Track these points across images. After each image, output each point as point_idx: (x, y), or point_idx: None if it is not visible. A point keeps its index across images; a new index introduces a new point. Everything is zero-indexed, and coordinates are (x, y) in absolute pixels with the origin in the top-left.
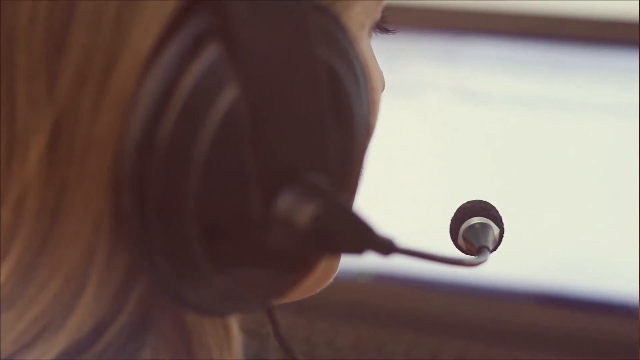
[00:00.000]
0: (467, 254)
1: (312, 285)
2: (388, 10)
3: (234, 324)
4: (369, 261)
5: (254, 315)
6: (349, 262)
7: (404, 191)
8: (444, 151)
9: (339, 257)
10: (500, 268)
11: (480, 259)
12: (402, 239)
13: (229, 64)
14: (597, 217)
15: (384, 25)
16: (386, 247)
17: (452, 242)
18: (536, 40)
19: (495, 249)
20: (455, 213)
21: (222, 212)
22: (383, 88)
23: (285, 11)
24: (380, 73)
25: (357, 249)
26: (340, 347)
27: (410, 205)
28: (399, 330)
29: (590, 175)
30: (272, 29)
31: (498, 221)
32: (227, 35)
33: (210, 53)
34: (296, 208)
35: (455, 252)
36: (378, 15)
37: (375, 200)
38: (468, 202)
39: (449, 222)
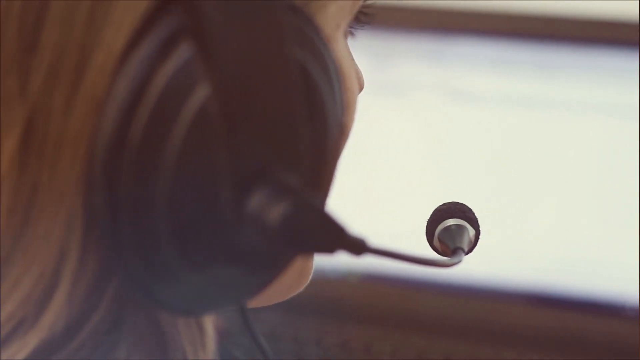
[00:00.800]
0: (443, 255)
1: (287, 289)
2: (369, 9)
3: (208, 323)
4: (357, 260)
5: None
6: (337, 261)
7: (393, 190)
8: (435, 150)
9: (312, 259)
10: (487, 268)
11: (455, 260)
12: (390, 239)
13: (201, 63)
14: (592, 218)
15: (356, 27)
16: (358, 247)
17: (427, 244)
18: (531, 40)
19: (470, 250)
20: (431, 215)
21: (194, 211)
22: (361, 89)
23: (258, 11)
24: (359, 73)
25: (328, 249)
26: (328, 346)
27: (400, 204)
28: (386, 329)
29: (588, 175)
30: (245, 28)
31: (474, 223)
32: (200, 34)
33: (183, 52)
34: (267, 207)
35: (432, 253)
36: (353, 17)
37: (364, 199)
38: (444, 204)
39: (425, 223)
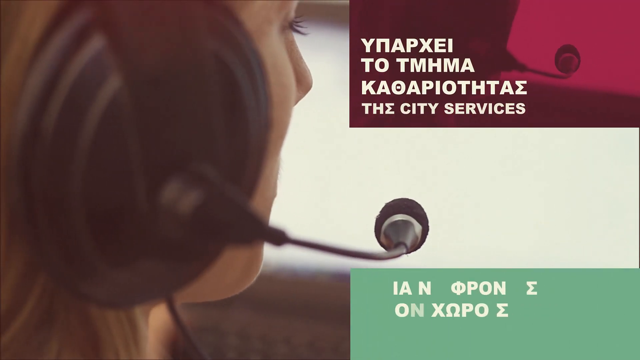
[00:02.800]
0: (388, 250)
1: (233, 283)
2: (302, 10)
3: (141, 320)
4: (328, 260)
5: (213, 312)
6: (307, 261)
7: (368, 186)
8: (410, 145)
9: (260, 253)
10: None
11: (391, 253)
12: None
13: (112, 54)
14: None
15: (297, 26)
16: (277, 237)
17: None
18: None
19: (417, 246)
20: (380, 211)
21: (108, 203)
22: (308, 88)
23: (170, 3)
24: (305, 72)
25: (246, 239)
26: (297, 345)
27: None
28: None
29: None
30: (156, 20)
31: (421, 219)
32: (110, 26)
33: (94, 44)
34: (180, 197)
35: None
36: (292, 13)
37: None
38: (393, 200)
39: (374, 219)
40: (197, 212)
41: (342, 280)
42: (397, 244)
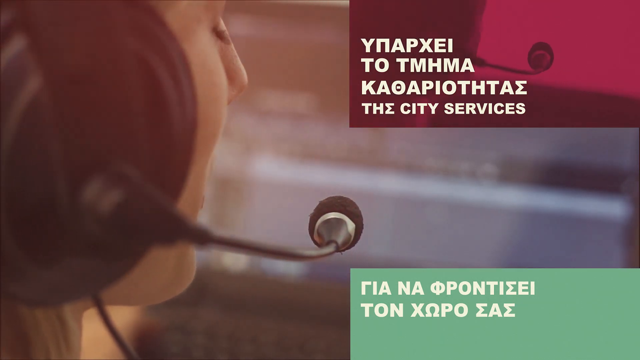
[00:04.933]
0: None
1: (165, 287)
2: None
3: (71, 318)
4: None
5: (181, 311)
6: (275, 261)
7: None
8: None
9: (190, 258)
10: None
11: (322, 251)
12: None
13: (32, 56)
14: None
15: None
16: (200, 237)
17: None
18: None
19: (352, 244)
20: (315, 209)
21: (30, 202)
22: (242, 87)
23: (90, 5)
24: (239, 71)
25: (167, 239)
26: (263, 343)
27: None
28: (321, 327)
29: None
30: (76, 21)
31: (354, 217)
32: (30, 27)
33: (14, 46)
34: (100, 196)
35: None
36: (221, 22)
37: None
38: (327, 198)
39: (309, 217)
40: (117, 211)
41: (309, 280)
42: (328, 242)
